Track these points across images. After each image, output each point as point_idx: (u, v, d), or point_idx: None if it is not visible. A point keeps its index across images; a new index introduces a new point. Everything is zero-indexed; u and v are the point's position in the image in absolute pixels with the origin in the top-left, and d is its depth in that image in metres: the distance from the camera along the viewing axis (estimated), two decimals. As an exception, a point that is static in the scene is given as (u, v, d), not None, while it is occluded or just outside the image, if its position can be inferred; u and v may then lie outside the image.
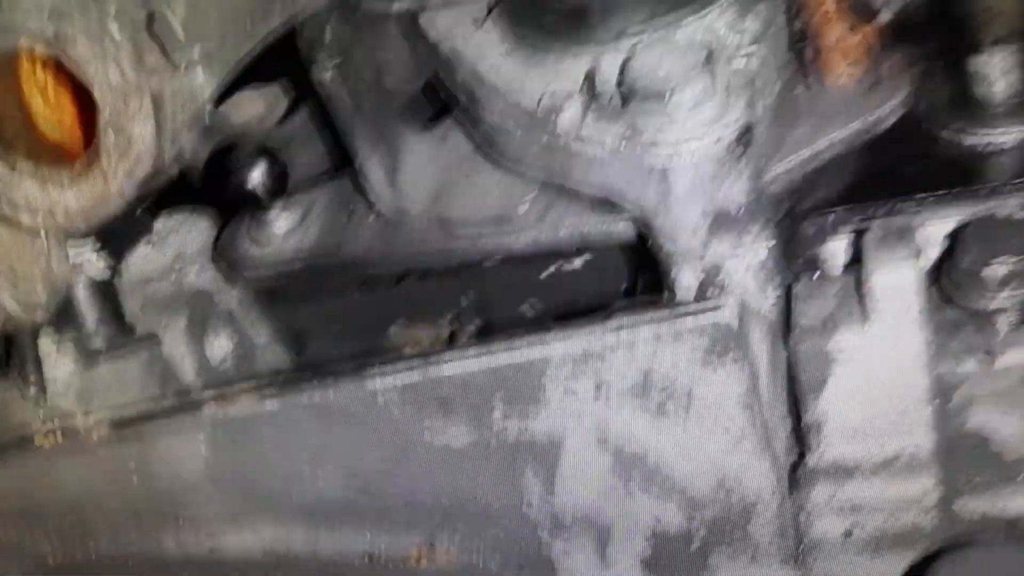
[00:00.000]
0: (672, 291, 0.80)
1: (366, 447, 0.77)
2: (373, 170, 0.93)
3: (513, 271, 0.91)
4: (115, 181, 0.61)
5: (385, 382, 0.74)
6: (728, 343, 0.71)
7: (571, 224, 0.83)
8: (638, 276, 0.89)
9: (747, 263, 0.81)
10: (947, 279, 0.74)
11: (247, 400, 0.76)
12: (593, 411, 0.73)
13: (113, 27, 0.60)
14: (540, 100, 0.78)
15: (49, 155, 0.64)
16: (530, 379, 0.73)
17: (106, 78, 0.57)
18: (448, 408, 0.74)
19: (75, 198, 0.64)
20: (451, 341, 0.96)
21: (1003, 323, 0.77)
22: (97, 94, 0.59)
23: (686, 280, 0.82)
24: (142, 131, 0.59)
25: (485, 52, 0.84)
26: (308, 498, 0.82)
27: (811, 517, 0.79)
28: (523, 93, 0.80)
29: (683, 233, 0.80)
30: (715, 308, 0.71)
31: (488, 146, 0.86)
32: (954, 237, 0.75)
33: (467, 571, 0.84)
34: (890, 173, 0.80)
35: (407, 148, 0.91)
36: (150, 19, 0.73)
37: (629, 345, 0.71)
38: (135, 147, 0.60)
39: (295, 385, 0.81)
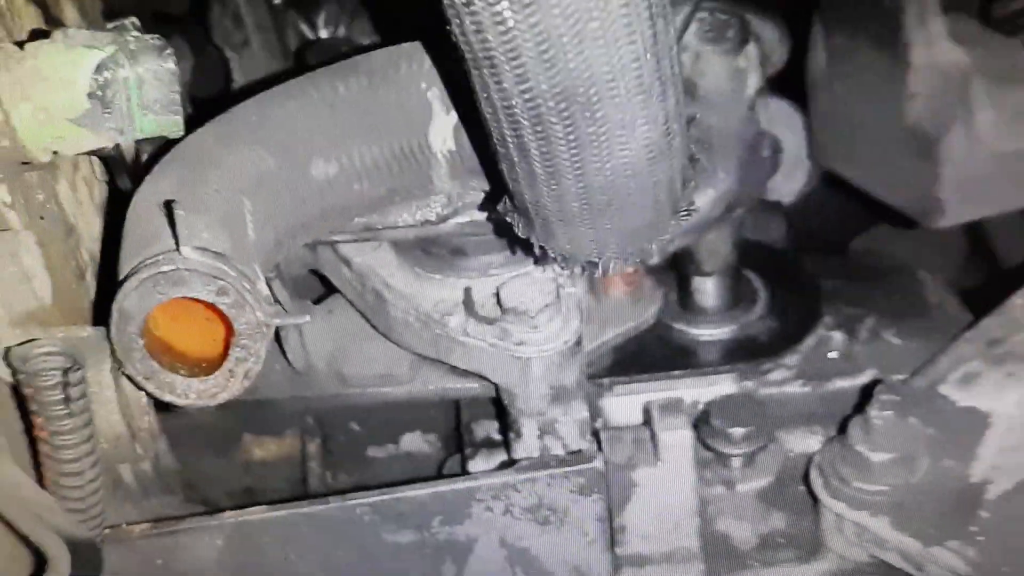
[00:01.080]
0: (518, 435, 1.11)
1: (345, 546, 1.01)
2: (289, 332, 1.13)
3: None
4: (236, 381, 0.82)
5: (363, 501, 1.00)
6: (596, 482, 0.99)
7: (436, 382, 1.13)
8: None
9: (573, 420, 1.15)
10: (706, 432, 1.04)
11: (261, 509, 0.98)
12: (501, 521, 1.02)
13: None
14: (434, 306, 1.07)
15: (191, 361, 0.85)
16: (463, 500, 0.98)
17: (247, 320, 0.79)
18: (402, 519, 1.00)
19: (203, 387, 0.84)
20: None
21: (737, 464, 1.13)
22: (238, 328, 0.81)
23: (528, 430, 1.13)
24: (261, 350, 0.81)
25: (387, 266, 1.09)
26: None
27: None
28: (421, 298, 1.07)
29: (533, 401, 1.10)
30: (591, 460, 1.00)
31: (386, 330, 1.12)
32: (710, 404, 1.07)
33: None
34: (647, 354, 1.15)
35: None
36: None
37: (533, 481, 0.99)
38: (255, 363, 0.81)
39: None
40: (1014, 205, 1.15)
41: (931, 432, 1.00)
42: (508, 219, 0.94)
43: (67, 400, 0.87)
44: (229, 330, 0.85)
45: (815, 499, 1.02)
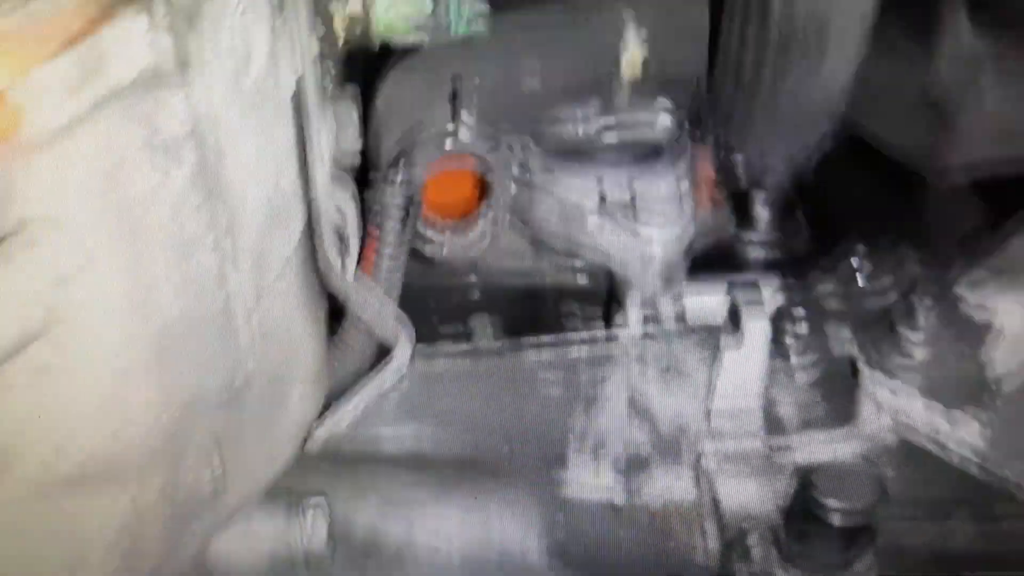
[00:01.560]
0: (626, 316, 1.33)
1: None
2: None
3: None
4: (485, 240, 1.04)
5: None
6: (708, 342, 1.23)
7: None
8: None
9: (672, 302, 1.37)
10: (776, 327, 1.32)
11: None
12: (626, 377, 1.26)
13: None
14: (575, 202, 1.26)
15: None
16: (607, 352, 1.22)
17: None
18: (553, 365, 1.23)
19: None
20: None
21: (796, 355, 1.32)
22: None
23: (635, 314, 1.35)
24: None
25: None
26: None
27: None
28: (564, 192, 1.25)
29: (649, 283, 1.34)
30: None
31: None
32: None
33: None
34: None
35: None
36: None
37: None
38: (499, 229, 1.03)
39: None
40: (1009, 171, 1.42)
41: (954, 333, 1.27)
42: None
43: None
44: (478, 201, 1.11)
45: (856, 377, 1.30)
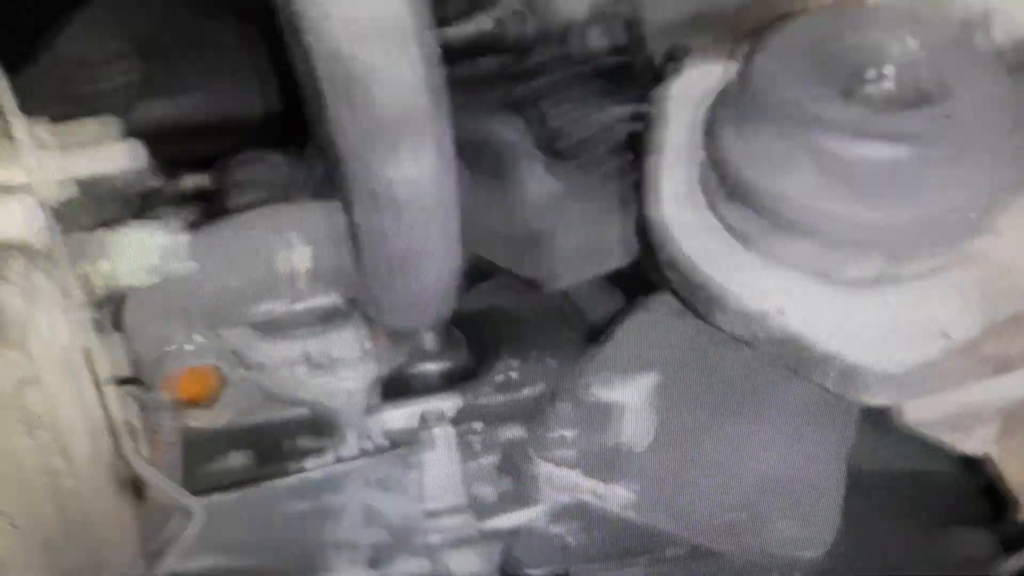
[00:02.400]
0: (343, 439, 1.60)
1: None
2: None
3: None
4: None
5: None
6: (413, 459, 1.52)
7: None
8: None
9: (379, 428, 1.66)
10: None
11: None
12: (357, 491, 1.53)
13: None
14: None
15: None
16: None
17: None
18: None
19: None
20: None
21: (478, 446, 1.69)
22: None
23: (351, 436, 1.62)
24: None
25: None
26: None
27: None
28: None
29: (355, 417, 1.61)
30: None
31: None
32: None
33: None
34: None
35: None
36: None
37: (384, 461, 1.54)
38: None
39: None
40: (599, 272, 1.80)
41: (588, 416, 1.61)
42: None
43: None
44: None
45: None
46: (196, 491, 1.33)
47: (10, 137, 1.12)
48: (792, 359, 1.30)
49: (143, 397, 1.36)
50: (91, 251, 1.25)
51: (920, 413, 1.34)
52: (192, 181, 1.67)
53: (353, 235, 1.36)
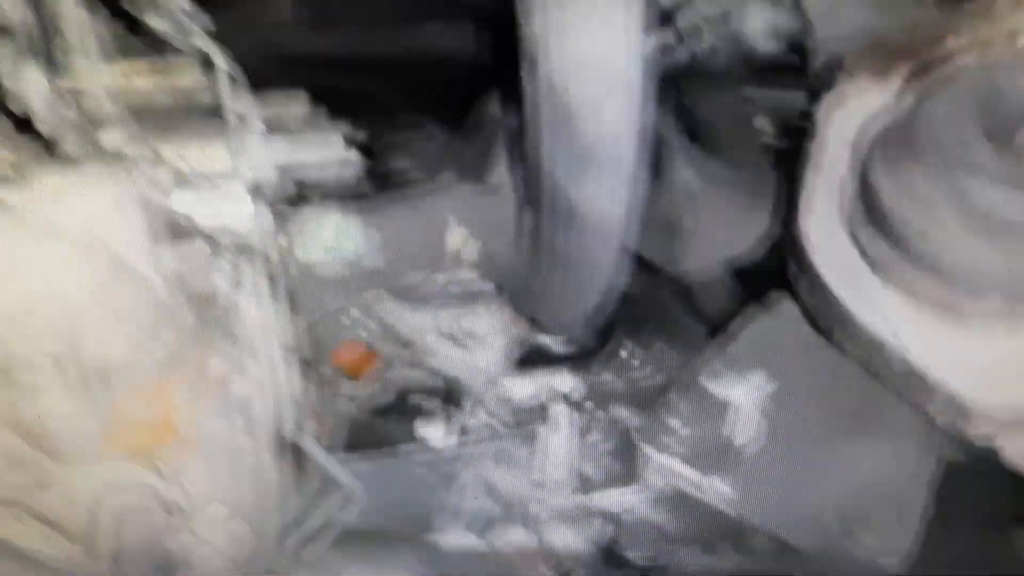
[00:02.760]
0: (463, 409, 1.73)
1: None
2: None
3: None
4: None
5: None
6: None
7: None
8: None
9: (497, 397, 1.76)
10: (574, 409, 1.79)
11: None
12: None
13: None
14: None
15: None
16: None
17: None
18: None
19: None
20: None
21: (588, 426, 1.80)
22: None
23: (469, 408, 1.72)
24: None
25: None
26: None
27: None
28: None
29: (478, 388, 1.72)
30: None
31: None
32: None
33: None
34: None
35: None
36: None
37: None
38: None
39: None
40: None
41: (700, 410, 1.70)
42: None
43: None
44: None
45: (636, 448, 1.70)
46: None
47: (224, 123, 1.18)
48: (903, 383, 1.36)
49: (313, 372, 1.42)
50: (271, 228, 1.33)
51: (1020, 450, 1.39)
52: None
53: (532, 235, 1.42)
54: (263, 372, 1.19)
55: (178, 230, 1.12)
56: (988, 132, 1.30)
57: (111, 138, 1.14)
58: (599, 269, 1.41)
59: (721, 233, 1.76)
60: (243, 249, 1.15)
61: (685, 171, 1.72)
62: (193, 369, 1.05)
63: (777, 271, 1.56)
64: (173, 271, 1.06)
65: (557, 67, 1.13)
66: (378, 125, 1.59)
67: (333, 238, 1.35)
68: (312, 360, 1.42)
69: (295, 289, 1.40)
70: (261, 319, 1.19)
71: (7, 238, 0.98)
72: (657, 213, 1.70)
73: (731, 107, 1.73)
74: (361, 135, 1.55)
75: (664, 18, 1.56)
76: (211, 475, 1.10)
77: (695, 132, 1.74)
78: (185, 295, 1.08)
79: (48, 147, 1.12)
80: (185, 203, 1.17)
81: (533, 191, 1.32)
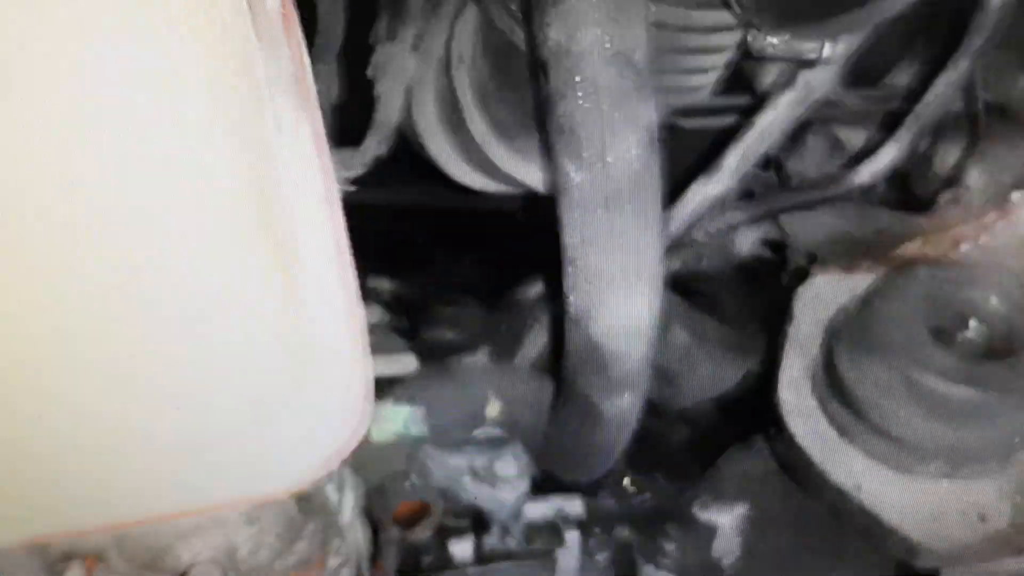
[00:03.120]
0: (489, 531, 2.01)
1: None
2: None
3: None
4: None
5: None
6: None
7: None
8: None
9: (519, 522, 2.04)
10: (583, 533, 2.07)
11: None
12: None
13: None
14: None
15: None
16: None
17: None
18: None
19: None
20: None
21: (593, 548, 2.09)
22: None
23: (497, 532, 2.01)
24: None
25: None
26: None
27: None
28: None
29: (504, 516, 2.00)
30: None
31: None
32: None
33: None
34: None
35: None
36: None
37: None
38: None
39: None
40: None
41: (689, 533, 2.00)
42: None
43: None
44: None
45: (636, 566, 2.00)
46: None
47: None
48: (861, 525, 1.66)
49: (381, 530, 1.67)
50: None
51: (959, 577, 1.70)
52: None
53: (554, 418, 1.70)
54: (350, 548, 1.44)
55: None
56: (933, 331, 1.59)
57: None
58: (610, 451, 1.67)
59: (708, 377, 2.05)
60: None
61: (681, 332, 1.99)
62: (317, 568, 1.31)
63: (758, 410, 1.84)
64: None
65: (593, 330, 1.41)
66: (423, 294, 1.87)
67: (402, 426, 1.62)
68: (380, 520, 1.68)
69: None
70: (348, 503, 1.45)
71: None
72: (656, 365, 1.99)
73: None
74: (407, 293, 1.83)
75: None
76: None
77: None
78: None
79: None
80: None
81: (565, 394, 1.60)
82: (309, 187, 0.88)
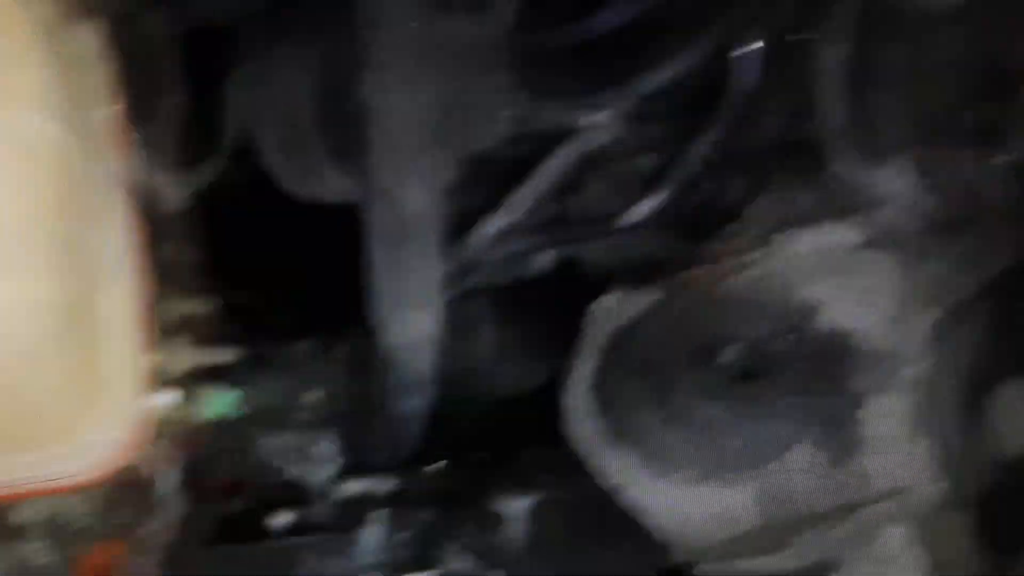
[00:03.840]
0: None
1: None
2: None
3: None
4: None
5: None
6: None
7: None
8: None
9: None
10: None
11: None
12: None
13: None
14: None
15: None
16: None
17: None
18: None
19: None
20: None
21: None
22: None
23: None
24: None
25: None
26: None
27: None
28: None
29: None
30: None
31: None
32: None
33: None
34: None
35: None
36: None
37: None
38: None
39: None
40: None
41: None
42: None
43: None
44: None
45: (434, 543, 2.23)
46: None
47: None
48: (629, 521, 1.90)
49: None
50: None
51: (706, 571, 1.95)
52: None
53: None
54: (168, 518, 1.63)
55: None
56: (692, 352, 1.82)
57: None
58: (407, 441, 1.89)
59: (513, 378, 2.26)
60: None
61: (489, 333, 2.18)
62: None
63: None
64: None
65: (387, 340, 1.61)
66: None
67: (220, 407, 1.81)
68: (199, 493, 1.86)
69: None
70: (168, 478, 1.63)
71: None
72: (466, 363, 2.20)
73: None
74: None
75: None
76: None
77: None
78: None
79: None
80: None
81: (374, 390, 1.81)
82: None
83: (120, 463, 1.19)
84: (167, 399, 1.52)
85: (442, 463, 2.19)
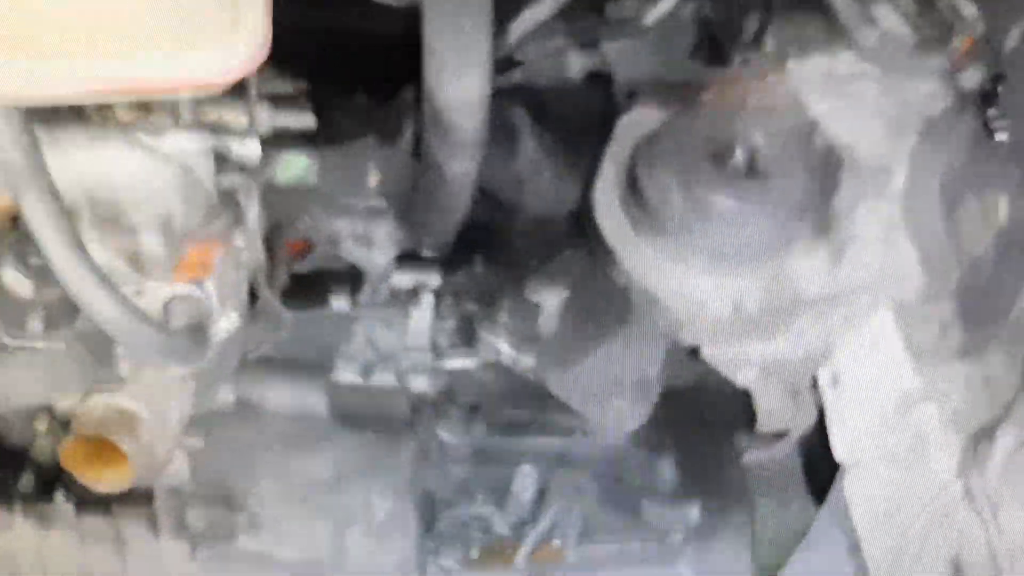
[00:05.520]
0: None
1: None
2: None
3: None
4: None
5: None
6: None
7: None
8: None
9: None
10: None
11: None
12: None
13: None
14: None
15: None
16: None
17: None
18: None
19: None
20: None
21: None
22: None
23: None
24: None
25: None
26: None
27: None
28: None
29: None
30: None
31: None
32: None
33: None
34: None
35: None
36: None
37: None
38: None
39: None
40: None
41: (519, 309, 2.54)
42: None
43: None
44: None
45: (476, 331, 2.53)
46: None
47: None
48: (644, 301, 2.16)
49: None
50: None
51: (711, 353, 2.23)
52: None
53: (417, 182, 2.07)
54: (250, 242, 1.86)
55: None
56: (710, 155, 2.09)
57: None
58: (454, 211, 2.08)
59: (552, 188, 2.52)
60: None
61: (529, 142, 2.38)
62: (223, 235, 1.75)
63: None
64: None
65: (436, 102, 1.80)
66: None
67: (296, 170, 2.05)
68: (273, 248, 2.11)
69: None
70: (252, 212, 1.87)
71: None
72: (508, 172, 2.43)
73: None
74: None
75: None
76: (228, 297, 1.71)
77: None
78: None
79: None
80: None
81: (424, 163, 2.04)
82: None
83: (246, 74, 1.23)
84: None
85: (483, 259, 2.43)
